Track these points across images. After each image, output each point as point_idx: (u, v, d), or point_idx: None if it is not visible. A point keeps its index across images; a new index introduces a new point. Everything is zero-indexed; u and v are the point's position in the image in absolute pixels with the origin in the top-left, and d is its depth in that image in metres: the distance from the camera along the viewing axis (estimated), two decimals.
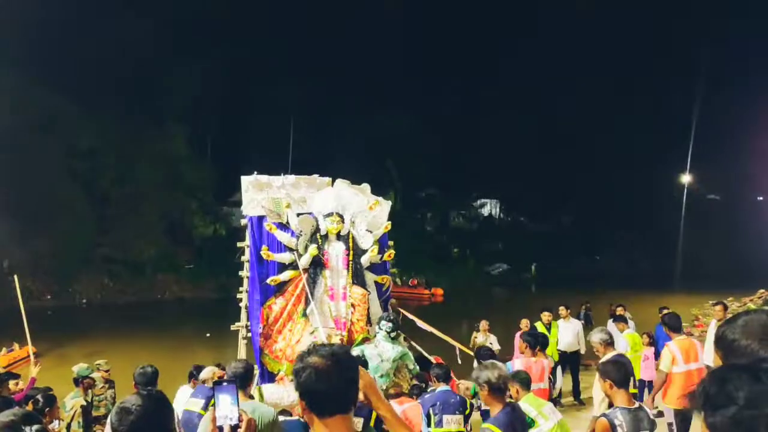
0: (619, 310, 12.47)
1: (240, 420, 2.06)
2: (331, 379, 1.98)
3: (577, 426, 9.97)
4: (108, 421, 5.19)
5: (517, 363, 6.63)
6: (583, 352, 11.29)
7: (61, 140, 35.61)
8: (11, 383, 7.34)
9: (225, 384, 2.09)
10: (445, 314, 30.36)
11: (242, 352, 8.13)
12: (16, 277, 20.44)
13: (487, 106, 52.51)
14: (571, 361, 11.11)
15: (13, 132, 33.66)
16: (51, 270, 34.90)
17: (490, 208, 58.60)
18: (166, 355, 16.96)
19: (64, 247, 35.15)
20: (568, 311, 11.53)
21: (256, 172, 8.59)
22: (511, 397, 4.60)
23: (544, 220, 56.80)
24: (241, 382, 4.31)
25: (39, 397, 5.73)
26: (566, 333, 10.97)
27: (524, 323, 11.46)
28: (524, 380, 4.93)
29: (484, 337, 11.64)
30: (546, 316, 10.98)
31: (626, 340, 10.12)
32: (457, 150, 50.56)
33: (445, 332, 9.33)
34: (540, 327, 10.74)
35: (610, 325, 10.79)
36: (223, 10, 45.46)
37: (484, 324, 11.90)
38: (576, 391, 11.16)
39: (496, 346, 11.46)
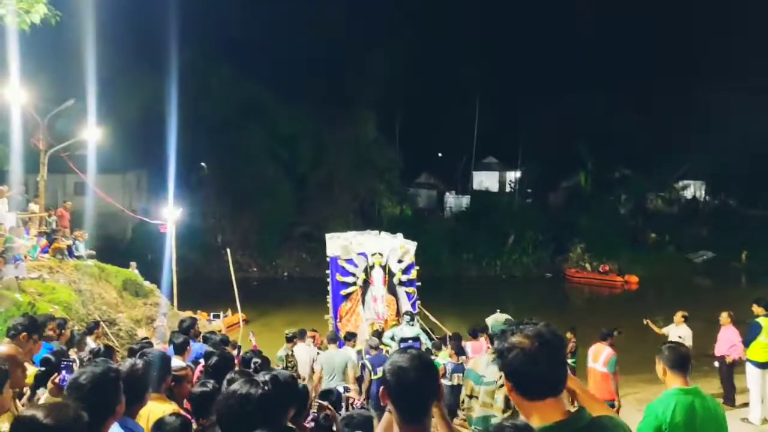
0: None
1: None
2: (540, 362, 1.88)
3: None
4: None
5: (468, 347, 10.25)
6: None
7: (264, 127, 38.73)
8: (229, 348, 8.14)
9: None
10: (637, 303, 28.48)
11: (331, 331, 12.52)
12: (228, 250, 22.76)
13: (689, 78, 47.95)
14: None
15: (224, 120, 37.36)
16: (256, 245, 38.32)
17: (693, 190, 53.61)
18: None
19: (268, 225, 38.46)
20: None
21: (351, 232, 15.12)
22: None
23: (757, 204, 50.75)
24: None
25: (255, 359, 6.33)
26: None
27: (724, 317, 10.24)
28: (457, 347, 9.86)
29: (677, 328, 10.60)
30: (758, 309, 9.56)
31: None
32: (655, 128, 46.83)
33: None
34: (765, 323, 9.30)
35: None
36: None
37: (679, 315, 10.87)
38: None
39: (688, 342, 10.40)
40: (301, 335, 10.21)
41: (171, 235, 19.91)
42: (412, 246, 13.89)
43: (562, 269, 39.88)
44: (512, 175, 53.07)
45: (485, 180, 52.92)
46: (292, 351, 9.76)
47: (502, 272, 40.07)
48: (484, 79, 47.20)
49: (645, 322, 11.23)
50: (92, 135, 19.93)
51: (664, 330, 10.93)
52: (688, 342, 10.42)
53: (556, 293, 34.94)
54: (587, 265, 39.30)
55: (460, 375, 9.00)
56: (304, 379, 9.09)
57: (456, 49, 47.43)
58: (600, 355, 8.39)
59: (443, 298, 27.05)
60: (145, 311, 15.89)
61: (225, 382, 3.64)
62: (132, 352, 5.96)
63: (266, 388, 2.16)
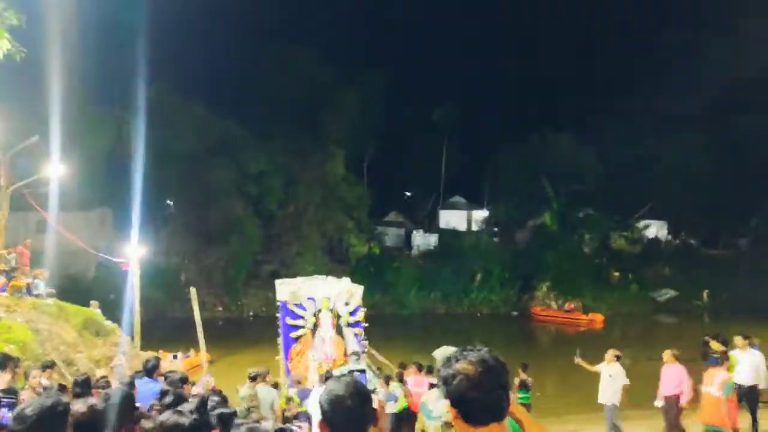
0: None
1: None
2: (483, 387, 1.93)
3: None
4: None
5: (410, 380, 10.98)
6: (762, 386, 10.13)
7: (233, 164, 38.61)
8: (186, 387, 8.05)
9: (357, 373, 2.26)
10: (602, 341, 28.71)
11: (282, 371, 13.94)
12: (193, 289, 22.45)
13: (654, 123, 49.47)
14: (748, 397, 9.98)
15: (193, 157, 37.21)
16: (222, 284, 37.78)
17: (655, 230, 54.77)
18: None
19: (234, 264, 38.03)
20: (746, 341, 10.41)
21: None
22: None
23: (717, 244, 52.06)
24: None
25: (213, 397, 6.31)
26: (743, 365, 9.87)
27: (667, 355, 10.30)
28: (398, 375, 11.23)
29: (608, 366, 10.43)
30: (715, 344, 9.75)
31: None
32: (619, 168, 48.02)
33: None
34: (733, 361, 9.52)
35: None
36: (379, 39, 47.39)
37: (610, 353, 10.79)
38: (754, 431, 10.01)
39: (620, 380, 10.24)
40: (263, 375, 10.26)
41: (134, 273, 19.65)
42: (358, 289, 15.06)
43: (528, 307, 40.16)
44: (479, 214, 53.64)
45: (452, 219, 53.35)
46: (255, 390, 9.70)
47: (470, 310, 40.19)
48: (452, 120, 48.16)
49: (576, 361, 11.21)
50: (55, 172, 19.69)
51: (597, 367, 10.87)
52: (620, 380, 10.32)
53: (521, 331, 35.15)
54: (553, 304, 39.66)
55: (392, 403, 10.31)
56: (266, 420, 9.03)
57: (425, 91, 48.44)
58: (714, 379, 8.38)
59: (410, 335, 27.04)
60: (105, 351, 15.53)
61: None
62: (75, 384, 5.86)
63: (194, 417, 2.21)
